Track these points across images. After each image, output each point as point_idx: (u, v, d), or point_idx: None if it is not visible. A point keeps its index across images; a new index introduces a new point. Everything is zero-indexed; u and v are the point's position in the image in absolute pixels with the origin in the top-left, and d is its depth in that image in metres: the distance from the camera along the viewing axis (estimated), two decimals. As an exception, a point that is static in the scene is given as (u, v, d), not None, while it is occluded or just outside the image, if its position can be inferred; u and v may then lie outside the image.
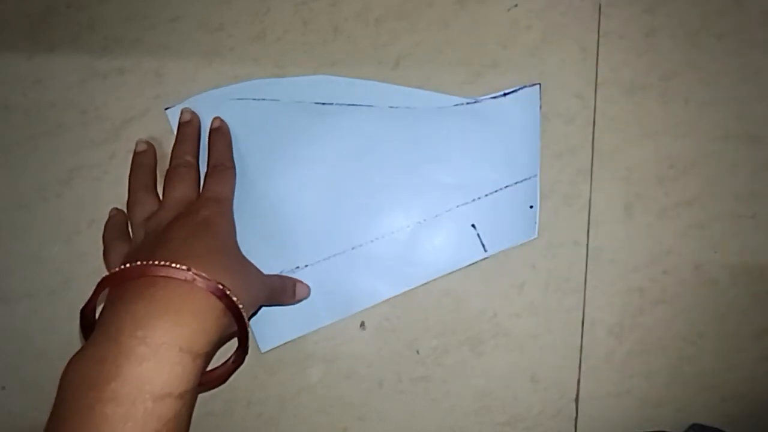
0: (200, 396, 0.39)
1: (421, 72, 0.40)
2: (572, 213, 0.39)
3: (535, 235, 0.39)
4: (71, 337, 0.39)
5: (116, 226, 0.38)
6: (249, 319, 0.32)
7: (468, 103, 0.39)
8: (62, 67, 0.40)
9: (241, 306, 0.29)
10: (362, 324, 0.40)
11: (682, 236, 0.39)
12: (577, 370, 0.39)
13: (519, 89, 0.39)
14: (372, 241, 0.39)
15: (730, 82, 0.40)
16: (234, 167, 0.38)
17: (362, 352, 0.40)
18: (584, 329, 0.39)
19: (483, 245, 0.39)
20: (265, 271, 0.35)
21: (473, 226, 0.39)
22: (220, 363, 0.33)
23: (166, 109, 0.40)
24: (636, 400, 0.39)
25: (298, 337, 0.39)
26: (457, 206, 0.39)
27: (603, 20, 0.40)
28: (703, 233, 0.39)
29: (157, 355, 0.25)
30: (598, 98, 0.40)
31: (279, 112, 0.39)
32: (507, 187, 0.39)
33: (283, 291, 0.37)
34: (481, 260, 0.39)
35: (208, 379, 0.32)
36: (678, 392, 0.39)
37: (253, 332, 0.39)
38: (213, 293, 0.28)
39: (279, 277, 0.38)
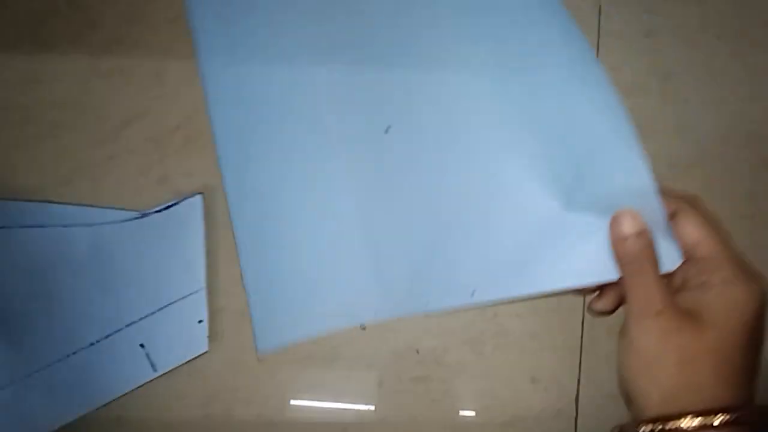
0: (200, 396, 0.39)
1: (421, 72, 0.40)
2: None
3: (206, 349, 0.38)
4: (71, 337, 0.40)
5: None
6: None
7: (135, 219, 0.38)
8: (62, 67, 0.40)
9: None
10: (362, 325, 0.40)
11: (682, 236, 0.39)
12: (577, 370, 0.39)
13: (180, 201, 0.38)
14: (36, 372, 0.36)
15: (730, 82, 0.40)
16: None
17: (362, 352, 0.39)
18: (584, 329, 0.39)
19: (152, 364, 0.38)
20: None
21: (142, 345, 0.38)
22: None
23: None
24: (636, 400, 0.39)
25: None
26: (126, 326, 0.38)
27: (603, 20, 0.40)
28: (703, 233, 0.39)
29: None
30: (598, 98, 0.40)
31: None
32: (171, 303, 0.38)
33: None
34: (151, 380, 0.38)
35: None
36: (678, 392, 0.39)
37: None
38: None
39: None
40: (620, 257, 0.29)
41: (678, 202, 0.29)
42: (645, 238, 0.28)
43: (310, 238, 0.36)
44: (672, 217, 0.29)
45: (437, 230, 0.35)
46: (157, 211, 0.38)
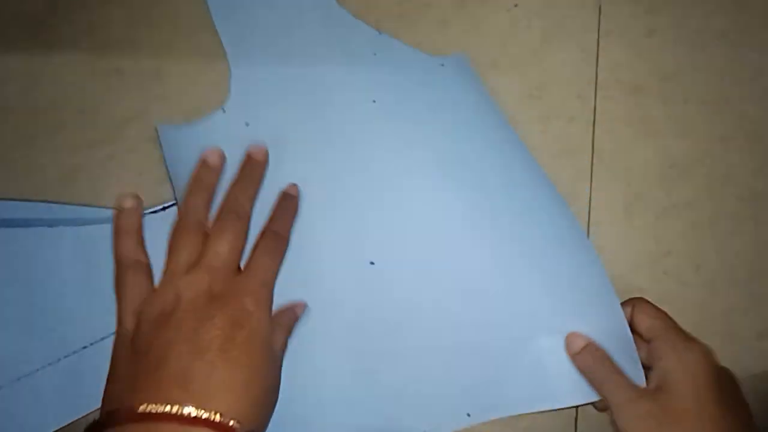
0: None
1: (421, 72, 0.40)
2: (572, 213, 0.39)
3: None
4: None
5: (134, 240, 0.33)
6: None
7: None
8: (62, 67, 0.40)
9: None
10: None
11: (682, 236, 0.39)
12: (577, 370, 0.39)
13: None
14: (25, 377, 0.35)
15: (730, 82, 0.40)
16: (288, 242, 0.33)
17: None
18: (584, 329, 0.39)
19: None
20: None
21: None
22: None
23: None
24: (636, 400, 0.39)
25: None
26: None
27: (603, 20, 0.40)
28: (703, 233, 0.39)
29: None
30: (598, 98, 0.40)
31: None
32: None
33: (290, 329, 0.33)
34: None
35: None
36: (678, 392, 0.39)
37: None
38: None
39: (283, 330, 0.32)
40: (582, 369, 0.33)
41: (630, 303, 0.34)
42: (593, 346, 0.33)
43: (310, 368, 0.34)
44: (631, 312, 0.34)
45: (426, 356, 0.35)
46: (153, 212, 0.38)
